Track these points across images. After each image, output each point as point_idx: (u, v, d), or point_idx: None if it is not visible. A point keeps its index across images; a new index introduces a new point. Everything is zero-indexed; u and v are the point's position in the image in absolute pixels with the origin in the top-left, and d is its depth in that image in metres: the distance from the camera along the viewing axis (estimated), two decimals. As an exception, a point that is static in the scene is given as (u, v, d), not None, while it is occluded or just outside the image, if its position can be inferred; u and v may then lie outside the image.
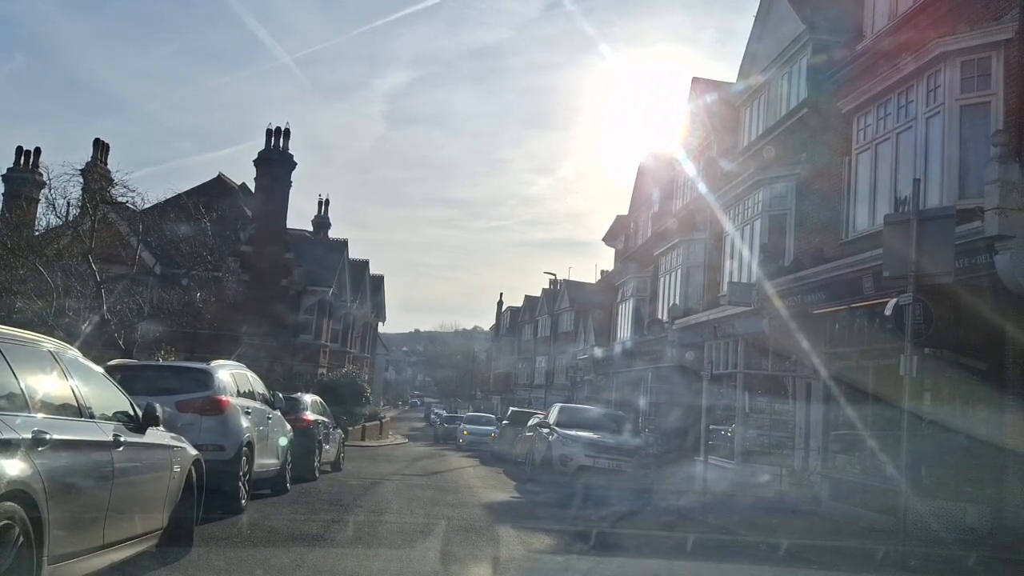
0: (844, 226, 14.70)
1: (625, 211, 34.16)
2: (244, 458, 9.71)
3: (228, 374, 10.36)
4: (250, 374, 11.55)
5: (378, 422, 41.59)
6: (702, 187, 22.38)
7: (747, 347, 17.54)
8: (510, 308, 78.96)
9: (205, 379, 9.76)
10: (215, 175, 34.34)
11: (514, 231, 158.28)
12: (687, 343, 20.83)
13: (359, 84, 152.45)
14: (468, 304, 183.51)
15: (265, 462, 10.98)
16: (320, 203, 39.60)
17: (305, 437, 14.50)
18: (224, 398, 9.68)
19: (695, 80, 24.73)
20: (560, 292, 54.34)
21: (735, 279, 18.40)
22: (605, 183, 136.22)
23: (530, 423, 20.84)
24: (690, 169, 23.76)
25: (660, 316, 22.93)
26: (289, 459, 12.45)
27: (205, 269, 27.31)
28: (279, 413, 12.35)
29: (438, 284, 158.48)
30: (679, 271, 23.13)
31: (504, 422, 27.78)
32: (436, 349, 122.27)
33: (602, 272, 55.92)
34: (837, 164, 14.92)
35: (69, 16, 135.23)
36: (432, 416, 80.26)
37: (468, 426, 33.16)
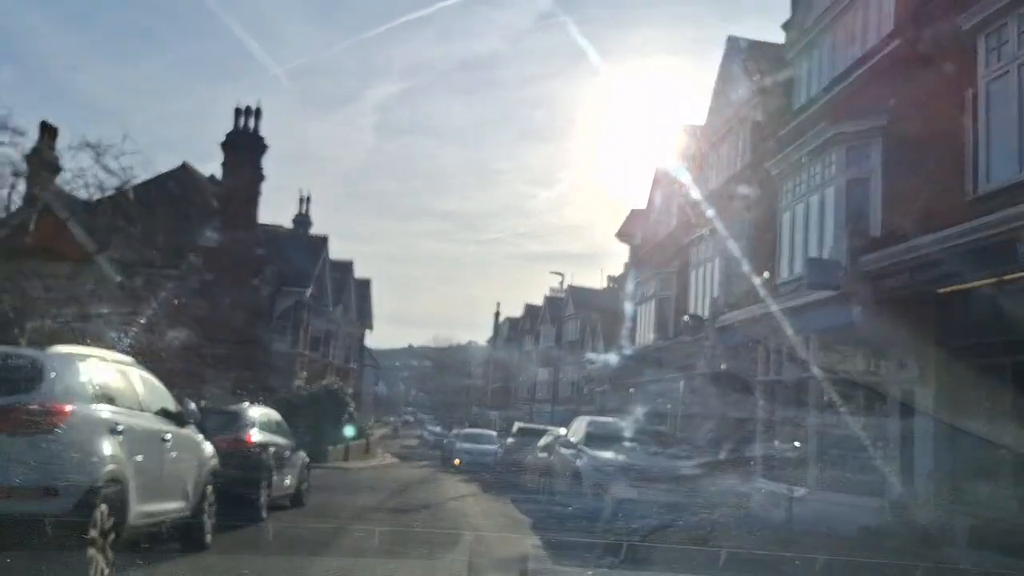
0: (970, 179, 11.00)
1: (634, 208, 30.60)
2: (102, 508, 5.85)
3: (79, 367, 6.41)
4: (137, 371, 7.65)
5: (364, 440, 37.66)
6: (745, 157, 18.71)
7: (823, 345, 13.79)
8: (508, 319, 75.22)
9: (32, 373, 5.89)
10: (179, 164, 30.52)
11: (509, 244, 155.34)
12: (731, 344, 17.07)
13: (351, 96, 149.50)
14: (462, 318, 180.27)
15: (157, 508, 7.11)
16: (301, 199, 35.82)
17: (244, 464, 10.66)
18: (61, 406, 5.79)
19: (731, 39, 21.08)
20: (565, 298, 50.56)
21: (794, 261, 14.71)
22: (602, 195, 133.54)
23: (543, 441, 17.07)
24: (730, 139, 20.07)
25: (698, 312, 19.13)
26: (210, 499, 8.59)
27: (160, 267, 23.54)
28: (192, 432, 8.48)
29: (431, 298, 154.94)
30: (716, 261, 19.39)
31: (509, 440, 23.89)
32: (430, 364, 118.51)
33: (609, 278, 52.37)
34: (952, 103, 11.26)
35: (56, 29, 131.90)
36: (425, 433, 77.05)
37: (465, 444, 29.17)
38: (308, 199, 35.30)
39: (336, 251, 38.39)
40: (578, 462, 11.96)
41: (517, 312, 72.69)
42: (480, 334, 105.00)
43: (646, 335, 25.98)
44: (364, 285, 41.35)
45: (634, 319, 28.21)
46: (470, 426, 42.32)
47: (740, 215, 18.32)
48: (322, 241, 30.96)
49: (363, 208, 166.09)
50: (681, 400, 19.69)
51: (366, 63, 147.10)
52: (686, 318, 18.80)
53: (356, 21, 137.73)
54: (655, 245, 25.62)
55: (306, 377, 30.59)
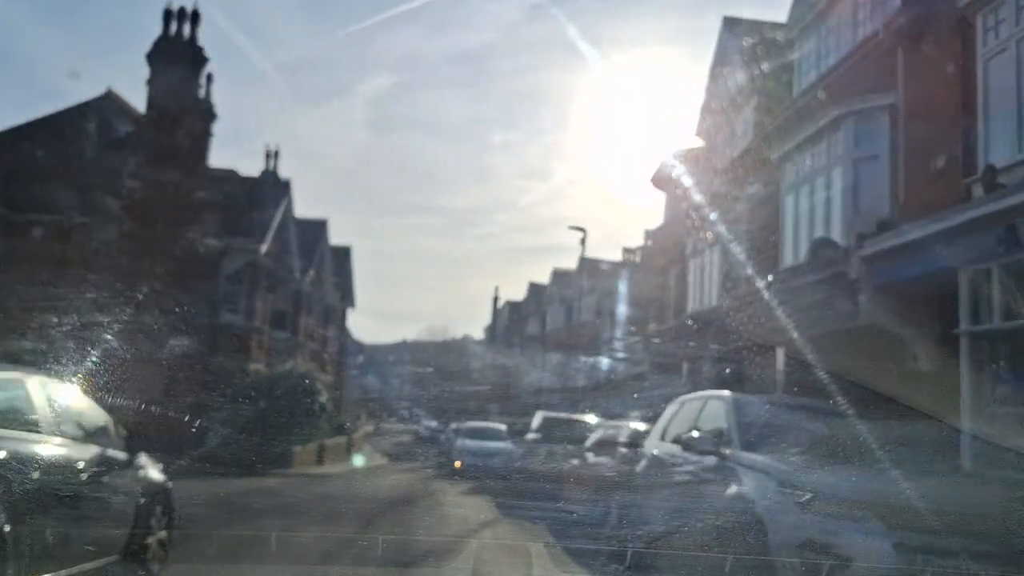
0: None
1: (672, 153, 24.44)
2: None
3: None
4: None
5: (346, 438, 31.37)
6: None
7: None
8: (508, 303, 68.92)
9: None
10: (103, 90, 24.16)
11: (502, 238, 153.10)
12: (900, 276, 10.86)
13: (341, 90, 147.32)
14: (456, 313, 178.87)
15: None
16: (268, 154, 29.11)
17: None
18: None
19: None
20: (577, 272, 44.28)
21: None
22: (596, 187, 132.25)
23: (595, 438, 10.92)
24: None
25: (827, 236, 12.85)
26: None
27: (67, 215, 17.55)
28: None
29: (425, 293, 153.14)
30: (841, 168, 13.12)
31: (531, 435, 17.67)
32: (424, 358, 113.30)
33: (626, 250, 46.16)
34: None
35: (39, 22, 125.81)
36: (420, 428, 71.23)
37: (467, 442, 22.85)
38: (276, 154, 28.56)
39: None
40: (746, 487, 5.33)
41: (518, 296, 66.54)
42: (474, 328, 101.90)
43: (704, 297, 19.82)
44: (343, 254, 34.96)
45: (682, 280, 22.06)
46: (471, 418, 36.05)
47: (877, 98, 12.10)
48: (283, 188, 24.59)
49: (355, 204, 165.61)
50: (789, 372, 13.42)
51: (357, 57, 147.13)
52: (816, 243, 12.51)
53: (346, 14, 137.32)
54: (718, 173, 19.38)
55: (267, 360, 24.27)
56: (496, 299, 76.87)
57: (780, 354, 14.10)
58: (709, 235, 19.34)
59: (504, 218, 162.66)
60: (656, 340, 22.07)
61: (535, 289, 54.19)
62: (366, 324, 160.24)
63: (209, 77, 25.79)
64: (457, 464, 22.20)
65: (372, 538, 8.10)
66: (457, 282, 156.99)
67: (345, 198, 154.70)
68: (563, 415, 17.41)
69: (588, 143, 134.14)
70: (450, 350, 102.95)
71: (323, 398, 23.48)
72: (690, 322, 19.55)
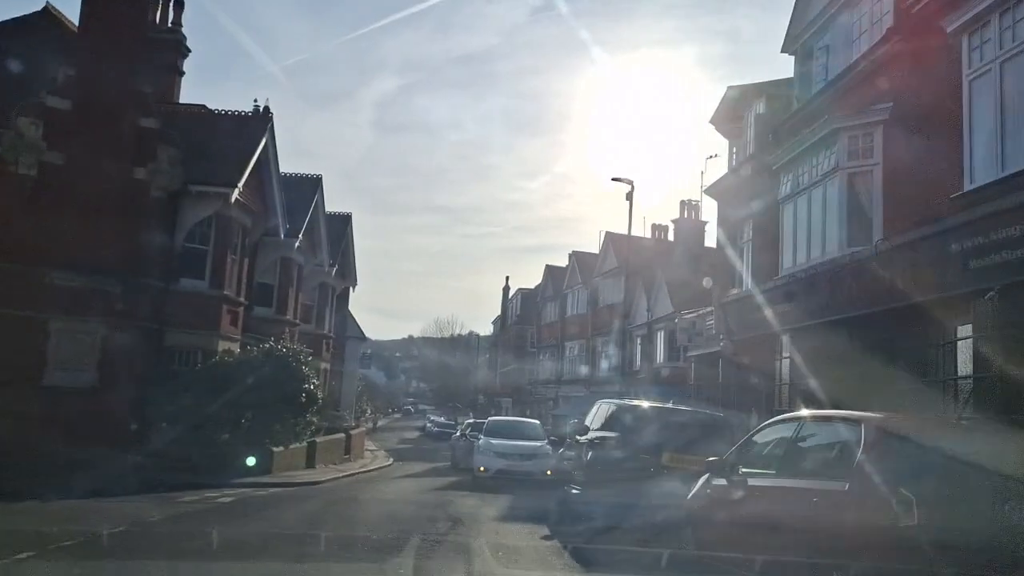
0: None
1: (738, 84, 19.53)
2: None
3: None
4: None
5: (343, 435, 26.60)
6: None
7: None
8: (521, 291, 64.19)
9: None
10: (40, 6, 19.35)
11: (504, 237, 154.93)
12: None
13: (346, 92, 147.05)
14: (460, 311, 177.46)
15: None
16: (257, 110, 23.96)
17: None
18: None
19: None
20: (602, 250, 39.41)
21: None
22: (595, 188, 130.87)
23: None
24: None
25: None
26: None
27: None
28: None
29: (429, 292, 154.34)
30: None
31: (579, 438, 12.59)
32: (430, 354, 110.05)
33: (655, 226, 41.29)
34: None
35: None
36: (428, 424, 67.02)
37: (494, 442, 17.91)
38: (266, 109, 22.97)
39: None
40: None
41: (530, 284, 61.80)
42: (479, 326, 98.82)
43: (811, 249, 14.99)
44: (342, 222, 30.02)
45: (765, 234, 17.24)
46: (496, 413, 31.24)
47: None
48: (262, 122, 19.59)
49: (359, 204, 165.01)
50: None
51: (362, 60, 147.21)
52: None
53: (351, 18, 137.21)
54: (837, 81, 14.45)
55: (241, 339, 19.46)
56: (507, 288, 72.40)
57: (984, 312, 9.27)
58: (836, 148, 14.50)
59: (506, 217, 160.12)
60: (734, 309, 17.20)
61: (553, 273, 49.32)
62: (370, 321, 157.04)
63: (180, 4, 21.16)
64: (481, 469, 17.43)
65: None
66: (461, 280, 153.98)
67: (348, 197, 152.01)
68: (662, 404, 12.32)
69: (586, 143, 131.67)
70: (456, 345, 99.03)
71: (314, 386, 18.68)
72: (788, 281, 14.69)
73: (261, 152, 19.16)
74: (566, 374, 43.95)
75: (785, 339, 15.18)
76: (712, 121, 22.41)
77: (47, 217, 15.34)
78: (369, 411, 62.90)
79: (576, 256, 43.75)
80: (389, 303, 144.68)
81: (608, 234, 38.86)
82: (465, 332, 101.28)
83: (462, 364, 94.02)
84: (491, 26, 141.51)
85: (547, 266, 50.60)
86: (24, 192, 15.30)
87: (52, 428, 14.49)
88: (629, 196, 22.06)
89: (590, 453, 11.24)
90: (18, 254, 15.16)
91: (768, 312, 15.55)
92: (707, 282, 35.52)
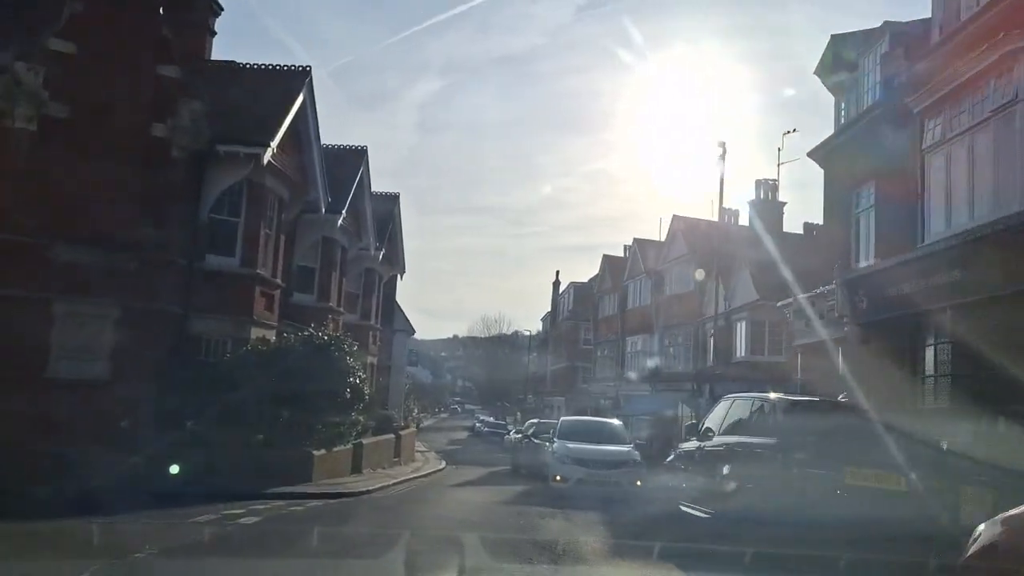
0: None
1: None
2: None
3: None
4: None
5: (392, 436, 24.07)
6: None
7: None
8: (573, 284, 61.42)
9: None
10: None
11: (548, 236, 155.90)
12: None
13: (390, 94, 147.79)
14: (505, 310, 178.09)
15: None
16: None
17: None
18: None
19: None
20: (669, 237, 36.33)
21: None
22: (642, 186, 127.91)
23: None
24: None
25: None
26: None
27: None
28: None
29: (473, 292, 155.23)
30: None
31: (699, 444, 9.58)
32: (476, 353, 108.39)
33: (724, 209, 37.95)
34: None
35: None
36: (477, 423, 64.99)
37: (571, 445, 15.11)
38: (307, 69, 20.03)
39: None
40: None
41: (584, 277, 58.95)
42: (524, 324, 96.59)
43: (966, 209, 11.96)
44: (389, 202, 27.54)
45: (890, 196, 14.19)
46: (576, 413, 28.37)
47: None
48: (299, 77, 17.06)
49: (404, 205, 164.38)
50: None
51: (405, 62, 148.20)
52: None
53: (395, 20, 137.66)
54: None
55: (279, 328, 17.03)
56: (557, 283, 69.49)
57: None
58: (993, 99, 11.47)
59: (550, 217, 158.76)
60: (863, 286, 14.11)
61: (611, 263, 46.32)
62: (414, 320, 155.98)
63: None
64: (557, 478, 14.66)
65: None
66: (505, 279, 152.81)
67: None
68: (834, 401, 9.41)
69: (632, 141, 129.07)
70: (503, 344, 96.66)
71: (360, 380, 16.15)
72: (948, 247, 11.63)
73: (298, 111, 16.68)
74: (628, 371, 40.95)
75: (942, 319, 12.10)
76: (817, 72, 19.37)
77: (49, 180, 13.03)
78: (416, 410, 60.81)
79: (638, 244, 40.71)
80: (433, 303, 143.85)
81: (676, 217, 35.82)
82: (511, 331, 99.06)
83: (509, 363, 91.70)
84: (534, 25, 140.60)
85: (604, 256, 47.64)
86: (22, 150, 13.00)
87: (53, 428, 12.19)
88: (722, 157, 19.09)
89: (729, 466, 8.41)
90: (15, 224, 12.87)
91: (916, 286, 12.51)
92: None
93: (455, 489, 16.64)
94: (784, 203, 35.30)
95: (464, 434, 62.16)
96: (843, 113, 19.29)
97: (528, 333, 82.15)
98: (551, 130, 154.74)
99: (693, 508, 9.13)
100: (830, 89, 19.47)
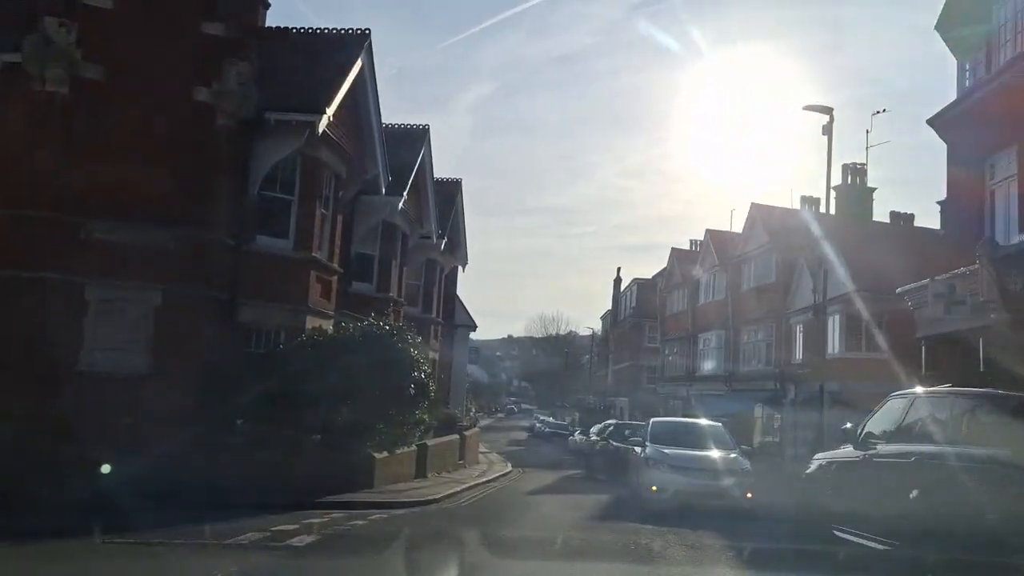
0: None
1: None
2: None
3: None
4: None
5: (457, 437, 22.38)
6: None
7: None
8: (636, 281, 59.14)
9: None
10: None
11: (604, 237, 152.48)
12: None
13: (444, 98, 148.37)
14: (561, 311, 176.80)
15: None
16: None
17: None
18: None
19: None
20: (748, 224, 33.91)
21: None
22: (700, 185, 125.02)
23: None
24: None
25: None
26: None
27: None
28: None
29: (527, 292, 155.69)
30: None
31: (891, 455, 7.49)
32: (533, 353, 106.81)
33: (805, 199, 35.41)
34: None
35: None
36: (536, 423, 63.38)
37: (669, 451, 13.02)
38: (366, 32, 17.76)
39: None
40: None
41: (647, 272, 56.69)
42: (580, 325, 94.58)
43: None
44: (450, 188, 25.92)
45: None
46: (643, 414, 26.40)
47: None
48: (357, 41, 15.44)
49: None
50: None
51: (459, 65, 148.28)
52: None
53: (448, 25, 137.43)
54: None
55: (334, 313, 15.45)
56: (618, 280, 67.22)
57: None
58: None
59: (607, 217, 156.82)
60: (1018, 265, 11.85)
61: (679, 257, 43.94)
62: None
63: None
64: (653, 489, 12.70)
65: None
66: (560, 279, 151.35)
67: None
68: None
69: (689, 140, 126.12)
70: (561, 343, 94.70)
71: (425, 375, 14.44)
72: None
73: (356, 77, 15.05)
74: (700, 370, 38.60)
75: None
76: (937, 28, 17.00)
77: (82, 149, 11.64)
78: (473, 410, 59.39)
79: (711, 235, 38.33)
80: (486, 303, 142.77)
81: (755, 205, 33.40)
82: (566, 331, 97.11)
83: (566, 363, 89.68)
84: (589, 25, 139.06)
85: (672, 249, 45.25)
86: (52, 115, 11.62)
87: (85, 428, 10.76)
88: (826, 129, 16.79)
89: (921, 485, 6.32)
90: (45, 199, 11.49)
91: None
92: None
93: (532, 499, 14.78)
94: (874, 188, 32.76)
95: (523, 434, 60.34)
96: (967, 75, 16.92)
97: (591, 330, 79.89)
98: (606, 129, 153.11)
99: (858, 535, 7.13)
100: (952, 47, 17.06)
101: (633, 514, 11.58)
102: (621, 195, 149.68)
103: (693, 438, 13.83)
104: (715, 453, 13.19)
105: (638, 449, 14.29)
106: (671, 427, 14.96)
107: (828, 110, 16.97)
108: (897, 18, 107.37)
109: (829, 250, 26.24)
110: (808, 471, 9.36)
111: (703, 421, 15.91)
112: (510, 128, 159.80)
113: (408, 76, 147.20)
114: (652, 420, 15.75)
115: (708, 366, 37.80)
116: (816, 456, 9.74)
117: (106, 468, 9.54)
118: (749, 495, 12.30)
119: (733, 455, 13.25)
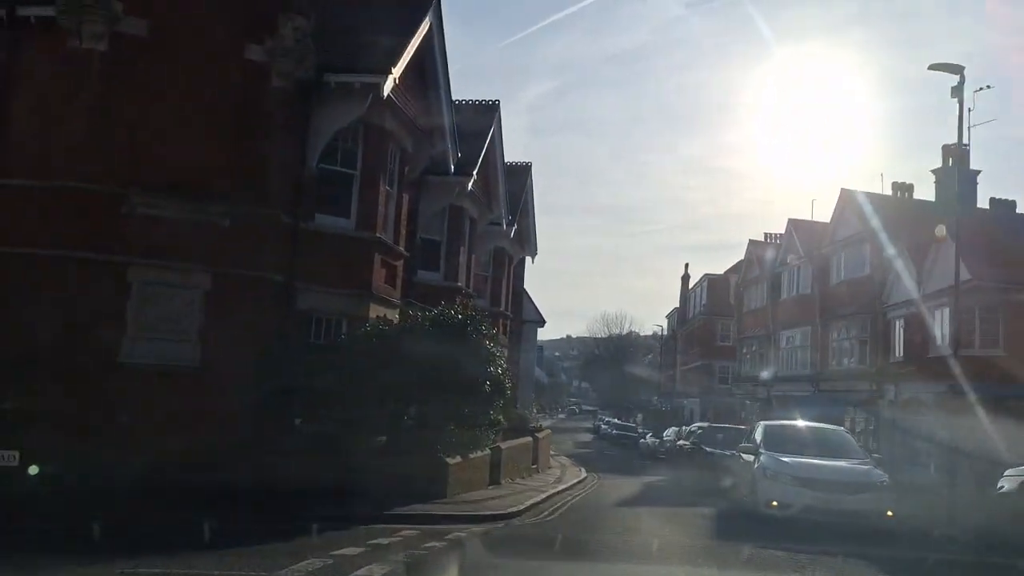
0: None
1: None
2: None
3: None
4: None
5: (530, 439, 20.70)
6: None
7: None
8: (707, 276, 56.70)
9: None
10: None
11: (665, 236, 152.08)
12: None
13: (503, 97, 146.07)
14: (622, 311, 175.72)
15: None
16: None
17: None
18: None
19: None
20: (836, 212, 31.39)
21: None
22: (765, 182, 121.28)
23: None
24: None
25: None
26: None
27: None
28: None
29: (587, 291, 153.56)
30: None
31: None
32: (595, 353, 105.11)
33: (895, 184, 32.76)
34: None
35: None
36: (602, 425, 61.80)
37: (790, 460, 11.11)
38: None
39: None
40: None
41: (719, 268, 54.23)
42: (641, 325, 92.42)
43: None
44: (521, 173, 24.26)
45: None
46: (779, 416, 24.14)
47: None
48: (427, 3, 13.99)
49: None
50: None
51: (517, 64, 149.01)
52: None
53: (507, 24, 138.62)
54: None
55: (400, 300, 13.96)
56: (686, 277, 64.71)
57: None
58: None
59: (667, 216, 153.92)
60: None
61: (757, 249, 41.47)
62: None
63: None
64: (772, 504, 10.81)
65: None
66: (620, 278, 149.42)
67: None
68: None
69: (751, 137, 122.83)
70: (623, 343, 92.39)
71: (501, 370, 12.81)
72: None
73: (424, 39, 13.53)
74: (783, 369, 36.15)
75: None
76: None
77: (122, 114, 10.36)
78: (536, 410, 57.83)
79: (794, 224, 35.84)
80: (544, 302, 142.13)
81: (845, 191, 30.85)
82: (627, 331, 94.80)
83: (630, 362, 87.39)
84: (646, 22, 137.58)
85: (750, 241, 42.80)
86: (90, 76, 10.35)
87: (127, 428, 9.45)
88: (956, 91, 14.66)
89: None
90: (81, 169, 10.24)
91: None
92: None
93: (625, 512, 12.99)
94: (978, 171, 29.99)
95: (588, 436, 58.53)
96: None
97: (658, 328, 77.37)
98: (665, 128, 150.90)
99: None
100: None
101: (759, 535, 9.71)
102: (681, 193, 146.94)
103: (817, 445, 11.84)
104: (845, 464, 11.22)
105: (747, 457, 12.39)
106: (789, 432, 12.95)
107: (959, 68, 14.82)
108: (969, 9, 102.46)
109: (934, 237, 23.72)
110: (1000, 489, 7.44)
111: (826, 425, 13.88)
112: (568, 127, 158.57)
113: (467, 76, 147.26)
114: (763, 423, 13.78)
115: (792, 365, 35.33)
116: (1008, 472, 7.82)
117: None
118: (889, 513, 10.33)
119: (866, 466, 11.27)
